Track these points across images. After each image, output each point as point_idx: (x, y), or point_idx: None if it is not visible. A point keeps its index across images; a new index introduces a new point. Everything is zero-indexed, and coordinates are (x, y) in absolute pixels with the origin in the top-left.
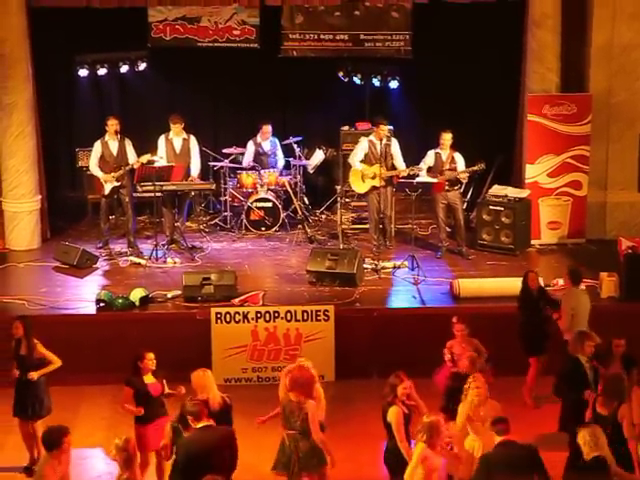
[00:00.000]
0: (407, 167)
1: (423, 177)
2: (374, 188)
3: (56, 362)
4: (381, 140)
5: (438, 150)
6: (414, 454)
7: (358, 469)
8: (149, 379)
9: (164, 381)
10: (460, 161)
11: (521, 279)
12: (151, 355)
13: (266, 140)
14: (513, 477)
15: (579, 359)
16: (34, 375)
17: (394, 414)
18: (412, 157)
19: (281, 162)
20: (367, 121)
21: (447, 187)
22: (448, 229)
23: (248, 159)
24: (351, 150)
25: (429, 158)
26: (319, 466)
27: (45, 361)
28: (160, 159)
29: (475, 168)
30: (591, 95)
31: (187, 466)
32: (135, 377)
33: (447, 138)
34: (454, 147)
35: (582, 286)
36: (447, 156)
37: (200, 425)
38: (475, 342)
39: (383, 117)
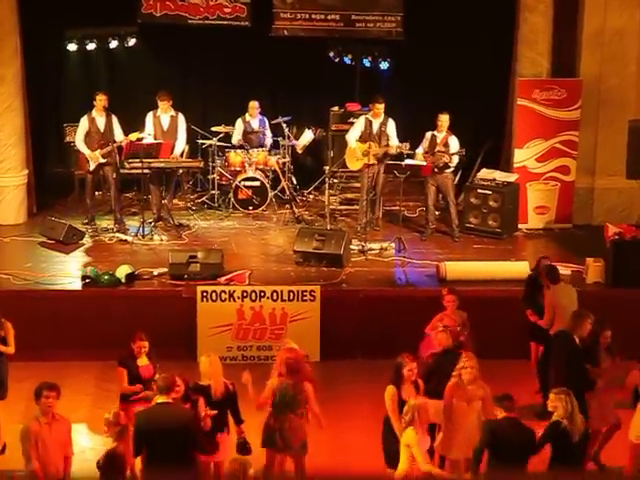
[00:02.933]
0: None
1: (412, 159)
2: (367, 166)
3: (11, 348)
4: (378, 119)
5: (435, 132)
6: (404, 439)
7: (342, 449)
8: (143, 361)
9: (157, 365)
10: (453, 145)
11: (514, 263)
12: (144, 343)
13: (254, 118)
14: (506, 452)
15: (574, 338)
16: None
17: (387, 394)
18: (401, 138)
19: (269, 141)
20: (357, 102)
21: (436, 170)
22: (437, 212)
23: (237, 137)
24: (341, 131)
25: (426, 140)
26: (303, 449)
27: (5, 341)
28: (148, 136)
29: (456, 152)
30: (581, 80)
31: (136, 438)
32: (128, 358)
33: (444, 119)
34: (451, 129)
35: (561, 283)
36: (442, 138)
37: (159, 400)
38: (463, 315)
39: (380, 96)
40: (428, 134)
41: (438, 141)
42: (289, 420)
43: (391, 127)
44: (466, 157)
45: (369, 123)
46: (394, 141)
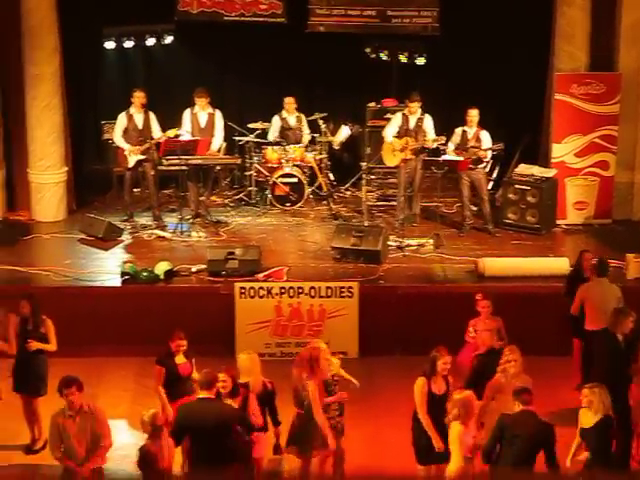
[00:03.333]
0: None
1: (449, 155)
2: (404, 161)
3: (52, 345)
4: (414, 115)
5: (465, 127)
6: (453, 436)
7: (380, 446)
8: (180, 359)
9: (193, 361)
10: (485, 139)
11: (552, 259)
12: (183, 342)
13: (291, 114)
14: (519, 444)
15: (616, 336)
16: (32, 345)
17: (417, 386)
18: (438, 134)
19: (306, 138)
20: (393, 98)
21: (471, 165)
22: (473, 207)
23: (274, 134)
24: (377, 126)
25: (456, 135)
26: (325, 445)
27: (45, 340)
28: (185, 133)
29: (494, 147)
30: (620, 74)
31: (177, 431)
32: (167, 356)
33: (473, 114)
34: (481, 125)
35: (604, 279)
36: (473, 133)
37: (201, 395)
38: (499, 320)
39: (415, 94)
40: (458, 130)
41: (470, 137)
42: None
43: (428, 122)
44: (504, 152)
45: (406, 119)
46: (431, 136)
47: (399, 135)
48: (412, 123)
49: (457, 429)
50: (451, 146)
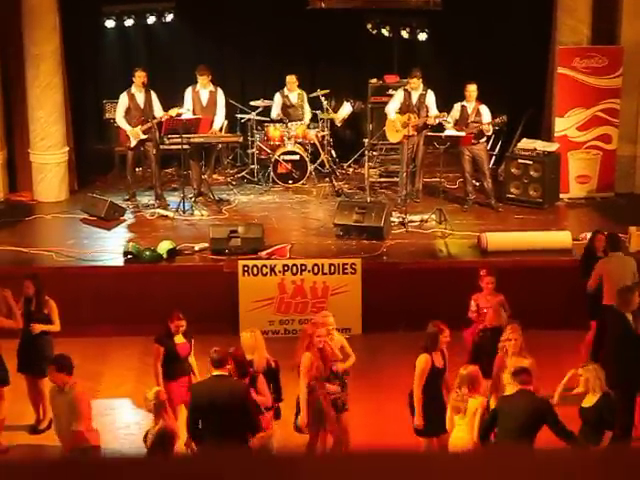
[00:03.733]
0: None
1: (450, 130)
2: (406, 137)
3: (56, 326)
4: (417, 91)
5: (464, 103)
6: (470, 410)
7: (383, 421)
8: (179, 339)
9: (192, 342)
10: (485, 113)
11: (555, 232)
12: (182, 322)
13: (293, 92)
14: (513, 424)
15: (625, 316)
16: (36, 327)
17: (419, 361)
18: (441, 109)
19: (308, 115)
20: (395, 74)
21: (473, 141)
22: (475, 182)
23: (276, 111)
24: (379, 103)
25: (455, 111)
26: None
27: (49, 321)
28: (187, 111)
29: (497, 121)
30: (622, 48)
31: (193, 410)
32: (166, 336)
33: (472, 89)
34: (480, 99)
35: (619, 253)
36: (473, 108)
37: (215, 373)
38: (501, 297)
39: (417, 70)
40: (457, 105)
41: (469, 111)
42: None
43: (430, 98)
44: (506, 126)
45: (408, 95)
46: (433, 112)
47: (401, 111)
48: (414, 99)
49: (474, 404)
50: (450, 121)
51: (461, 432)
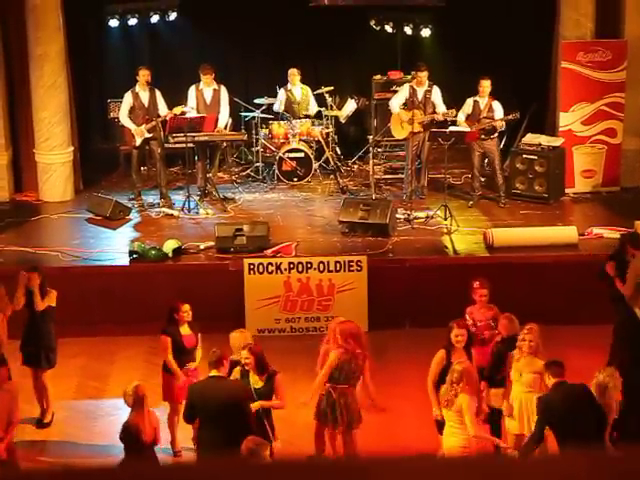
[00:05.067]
0: (449, 111)
1: (456, 126)
2: (412, 134)
3: (53, 298)
4: (422, 87)
5: (477, 98)
6: (464, 407)
7: (390, 418)
8: (185, 330)
9: (199, 335)
10: (498, 109)
11: (561, 228)
12: (186, 307)
13: (296, 86)
14: (573, 416)
15: (636, 314)
16: (41, 304)
17: (435, 357)
18: (446, 105)
19: (314, 108)
20: (399, 70)
21: (483, 136)
22: (482, 178)
23: (279, 105)
24: (383, 99)
25: (467, 106)
26: (358, 422)
27: (50, 310)
28: (191, 110)
29: (510, 117)
30: (626, 41)
31: (189, 409)
32: (172, 327)
33: (486, 85)
34: (493, 95)
35: None
36: (485, 104)
37: (211, 374)
38: (494, 309)
39: (422, 64)
40: (469, 100)
41: (482, 107)
42: (345, 394)
43: (436, 94)
44: (515, 121)
45: (413, 91)
46: (441, 108)
47: (407, 107)
48: (420, 95)
49: (466, 400)
50: (462, 116)
51: (452, 428)
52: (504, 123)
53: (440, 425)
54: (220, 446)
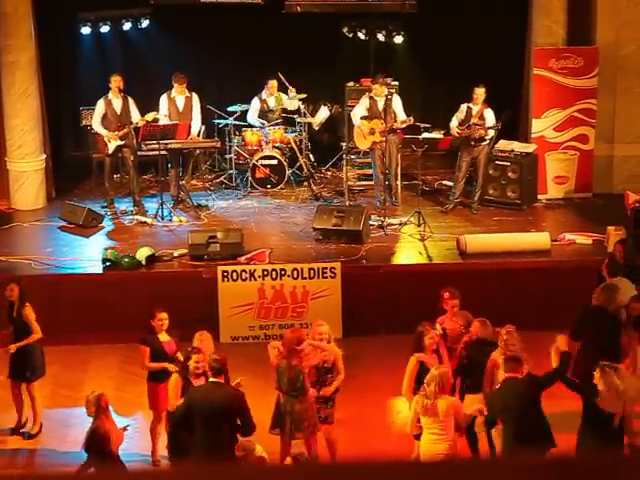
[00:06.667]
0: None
1: (453, 130)
2: (376, 143)
3: (37, 333)
4: (381, 96)
5: (470, 104)
6: (442, 412)
7: (365, 425)
8: (163, 337)
9: (176, 340)
10: (489, 117)
11: (534, 234)
12: (163, 315)
13: (271, 96)
14: (514, 404)
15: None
16: (12, 348)
17: (409, 363)
18: (417, 112)
19: (295, 104)
20: (372, 77)
21: (472, 142)
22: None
23: (253, 115)
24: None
25: (460, 112)
26: (313, 428)
27: (28, 328)
28: (163, 117)
29: (492, 126)
30: (598, 48)
31: (186, 414)
32: (150, 335)
33: (480, 93)
34: (486, 102)
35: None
36: (477, 111)
37: (211, 380)
38: (466, 314)
39: (382, 75)
40: (463, 106)
41: (473, 113)
42: (294, 403)
43: (397, 103)
44: (502, 131)
45: (373, 101)
46: (401, 116)
47: (369, 118)
48: (380, 105)
49: (444, 404)
50: (455, 121)
51: (435, 435)
52: (489, 132)
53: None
54: (214, 451)
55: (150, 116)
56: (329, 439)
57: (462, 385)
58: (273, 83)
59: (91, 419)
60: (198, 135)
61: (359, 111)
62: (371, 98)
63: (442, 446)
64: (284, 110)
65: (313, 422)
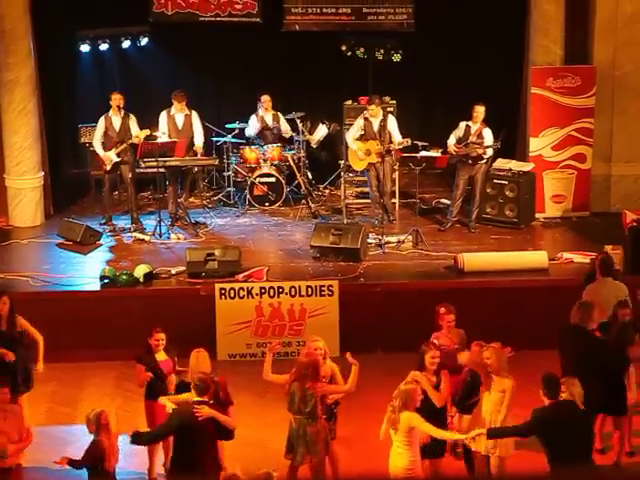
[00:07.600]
0: (404, 140)
1: (451, 147)
2: (371, 165)
3: (39, 339)
4: (377, 118)
5: (469, 123)
6: (403, 426)
7: (362, 443)
8: (161, 356)
9: (175, 358)
10: (487, 137)
11: (532, 252)
12: (161, 335)
13: (268, 113)
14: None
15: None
16: (9, 355)
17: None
18: (415, 130)
19: (288, 132)
20: (370, 95)
21: (470, 161)
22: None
23: (251, 131)
24: None
25: (459, 129)
26: (324, 451)
27: (25, 335)
28: (162, 135)
29: (491, 145)
30: (595, 67)
31: (165, 430)
32: (147, 354)
33: (480, 111)
34: (486, 122)
35: (608, 278)
36: (476, 130)
37: (196, 399)
38: (461, 333)
39: (377, 96)
40: (462, 124)
41: (472, 132)
42: (306, 425)
43: (392, 124)
44: (500, 150)
45: (368, 123)
46: (397, 137)
47: (364, 139)
48: (375, 126)
49: (406, 418)
50: (452, 139)
51: (398, 449)
52: (488, 151)
53: (423, 449)
54: (198, 470)
55: (144, 133)
56: (331, 455)
57: (461, 407)
58: (266, 98)
59: (92, 436)
60: (195, 154)
61: (352, 133)
62: (366, 119)
63: (401, 460)
64: (308, 144)
65: (325, 444)
